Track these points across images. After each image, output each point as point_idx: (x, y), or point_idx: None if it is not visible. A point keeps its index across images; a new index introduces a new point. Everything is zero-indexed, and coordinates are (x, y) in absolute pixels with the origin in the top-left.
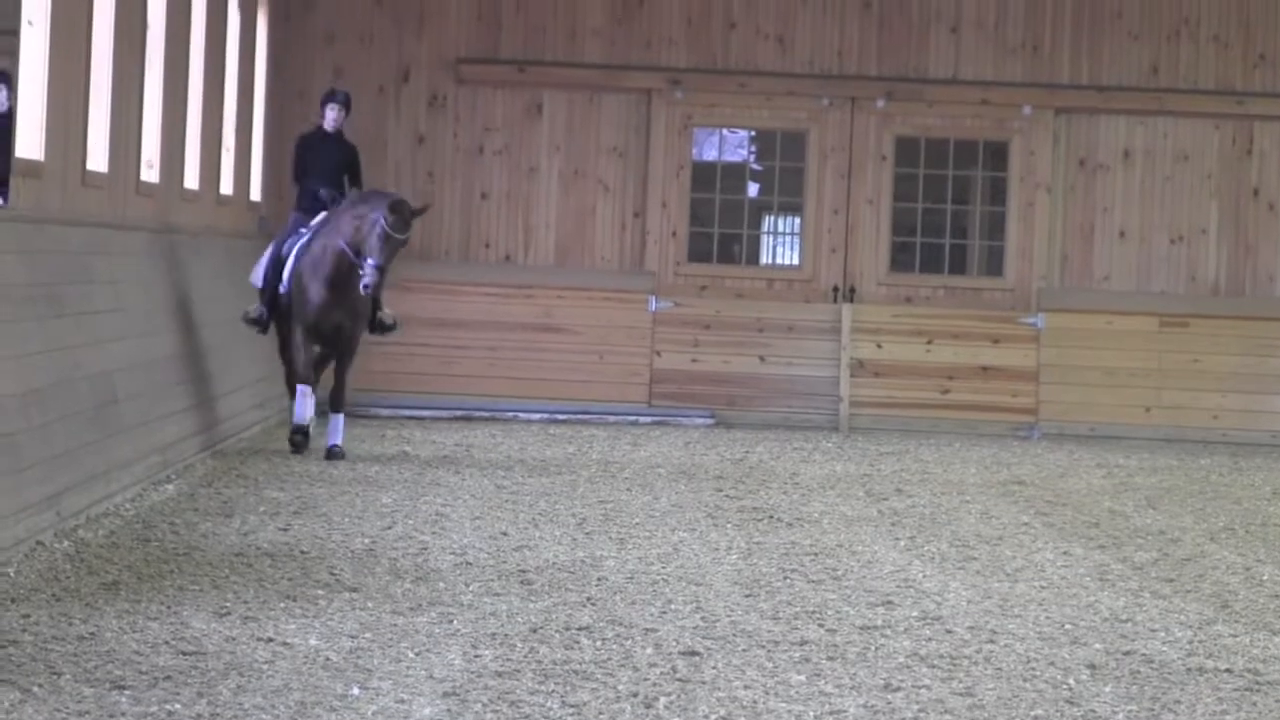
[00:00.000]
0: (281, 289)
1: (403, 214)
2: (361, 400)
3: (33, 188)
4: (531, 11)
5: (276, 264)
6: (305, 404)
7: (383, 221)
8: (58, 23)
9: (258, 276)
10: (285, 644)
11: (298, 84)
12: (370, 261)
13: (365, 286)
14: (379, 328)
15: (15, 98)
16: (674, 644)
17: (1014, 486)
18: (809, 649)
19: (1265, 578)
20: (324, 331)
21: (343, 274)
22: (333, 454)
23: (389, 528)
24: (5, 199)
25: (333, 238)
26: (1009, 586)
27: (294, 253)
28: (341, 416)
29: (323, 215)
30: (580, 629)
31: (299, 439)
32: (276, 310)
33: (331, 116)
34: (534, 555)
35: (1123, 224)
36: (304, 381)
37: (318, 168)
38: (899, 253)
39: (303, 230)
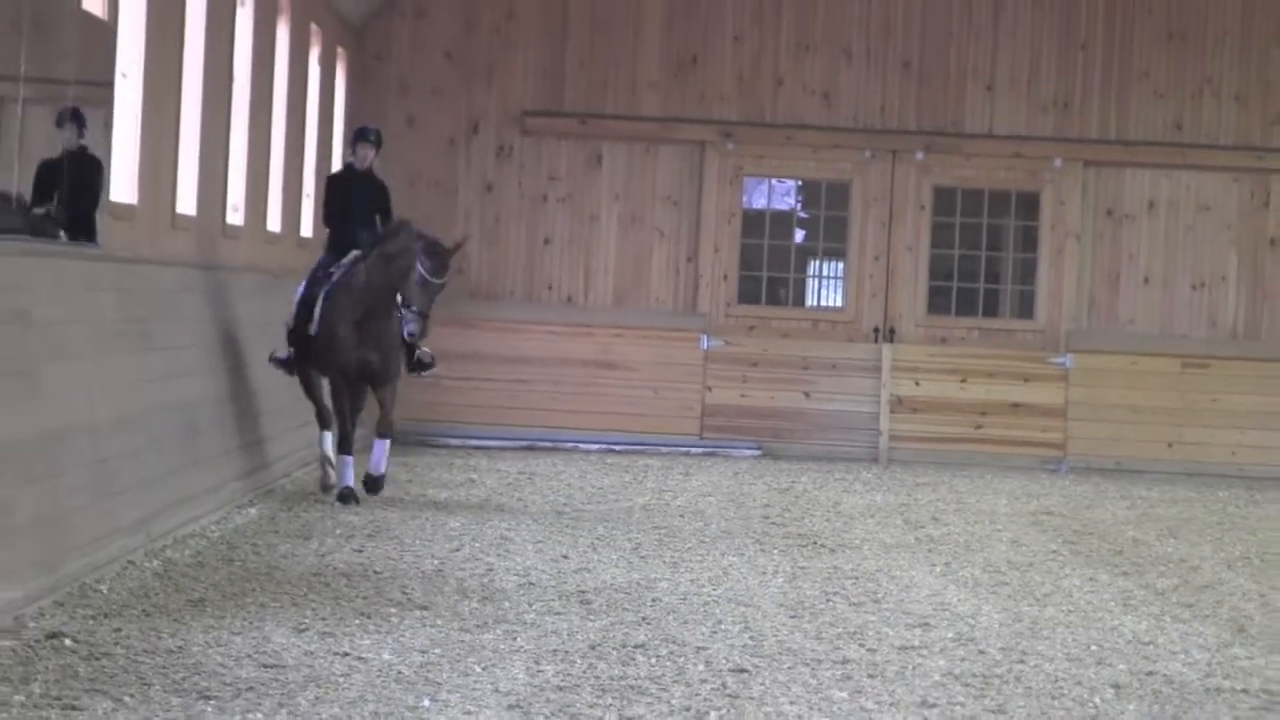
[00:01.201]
0: (312, 331)
1: (441, 257)
2: (431, 430)
3: (125, 230)
4: (593, 67)
5: (306, 306)
6: (348, 472)
7: (420, 267)
8: (150, 75)
9: (287, 319)
10: (360, 658)
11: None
12: (413, 309)
13: (410, 334)
14: (417, 366)
15: (87, 134)
16: (724, 661)
17: (1043, 516)
18: (850, 667)
19: (1279, 604)
20: (354, 371)
21: (371, 312)
22: (370, 485)
23: (457, 550)
24: (89, 237)
25: (361, 276)
26: (1038, 610)
27: (322, 294)
28: (387, 442)
29: (352, 255)
30: (636, 647)
31: (345, 493)
32: (307, 353)
33: (363, 155)
34: (592, 577)
35: (1147, 270)
36: (328, 428)
37: (350, 207)
38: (936, 296)
39: (332, 271)
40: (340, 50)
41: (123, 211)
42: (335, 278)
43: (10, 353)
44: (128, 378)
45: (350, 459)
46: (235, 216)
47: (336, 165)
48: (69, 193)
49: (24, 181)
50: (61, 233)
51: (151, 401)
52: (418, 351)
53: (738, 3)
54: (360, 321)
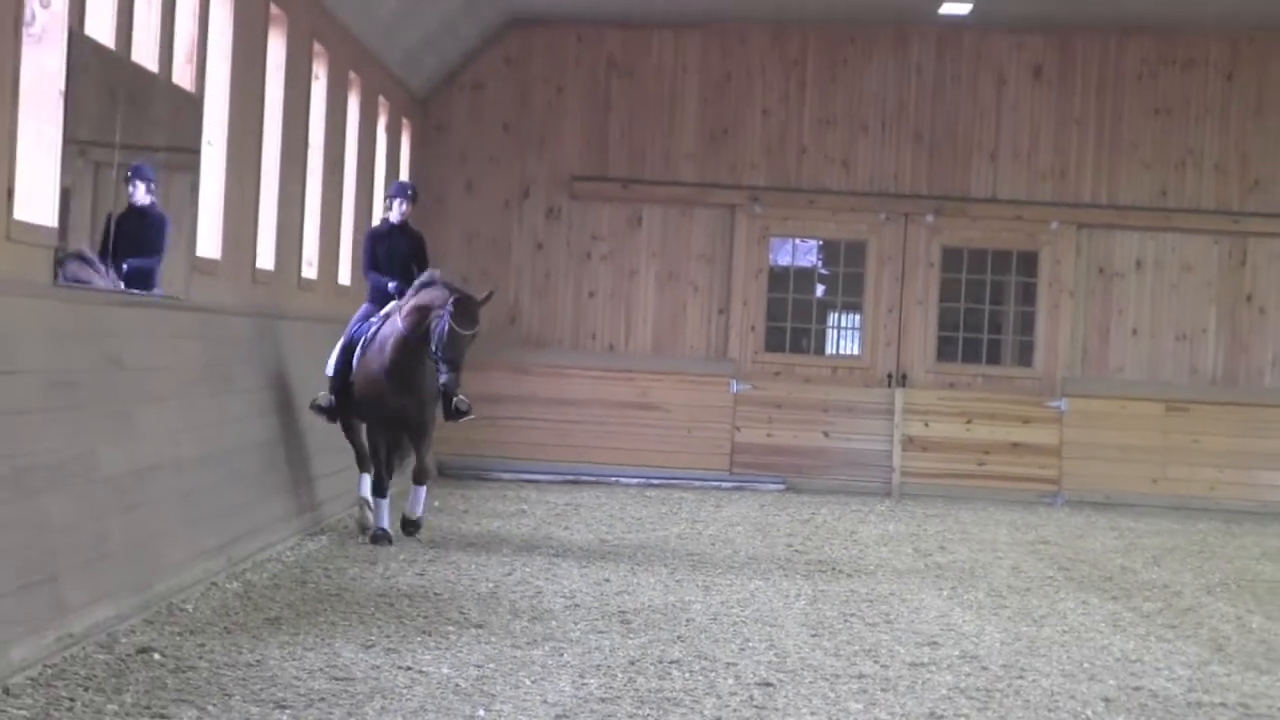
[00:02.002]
0: (352, 378)
1: (469, 312)
2: (486, 465)
3: (209, 283)
4: (634, 138)
5: (347, 353)
6: (384, 515)
7: (448, 319)
8: (233, 143)
9: (329, 367)
10: (422, 672)
11: (433, 196)
12: (443, 360)
13: (444, 385)
14: (455, 414)
15: (154, 191)
16: (751, 676)
17: (1040, 545)
18: (865, 682)
19: (1254, 625)
20: (389, 418)
21: (405, 361)
22: (408, 527)
23: (509, 574)
24: (145, 287)
25: (395, 328)
26: (1036, 630)
27: (361, 343)
28: (424, 489)
29: (391, 305)
30: (671, 662)
31: (379, 535)
32: (347, 400)
33: (399, 209)
34: (632, 599)
35: (1135, 323)
36: (366, 471)
37: (387, 258)
38: (944, 345)
39: (372, 321)
40: (405, 120)
41: (207, 266)
42: (374, 328)
43: (108, 395)
44: (210, 417)
45: (385, 502)
46: (309, 271)
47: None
48: (128, 245)
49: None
50: (121, 283)
51: (231, 439)
52: (455, 400)
53: (766, 81)
54: (396, 370)
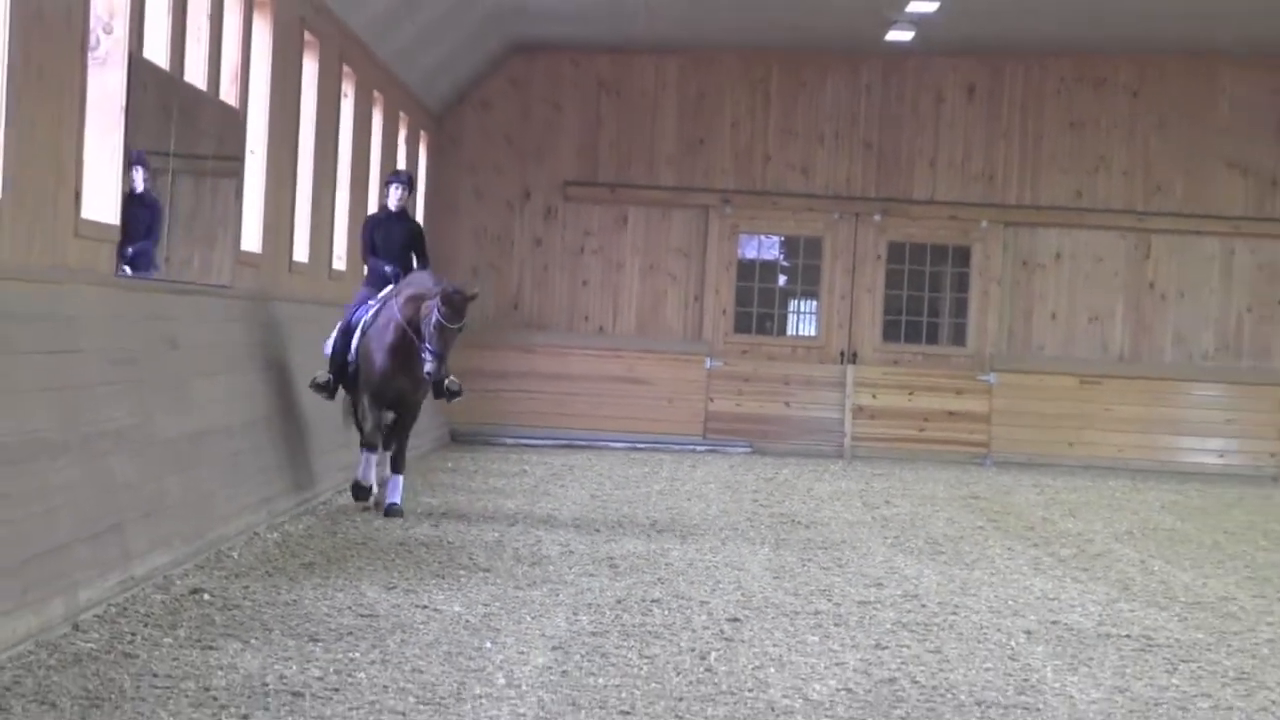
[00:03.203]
0: (350, 358)
1: (455, 306)
2: (492, 432)
3: (252, 273)
4: (620, 148)
5: (345, 335)
6: (370, 468)
7: (437, 313)
8: (272, 152)
9: (328, 346)
10: (436, 609)
11: (447, 199)
12: (430, 349)
13: (428, 374)
14: (446, 394)
15: (150, 181)
16: (721, 613)
17: (971, 500)
18: (820, 617)
19: (1156, 569)
20: (388, 397)
21: (403, 346)
22: (391, 512)
23: (512, 525)
24: (147, 268)
25: (394, 313)
26: (967, 573)
27: (361, 325)
28: (401, 477)
29: (388, 289)
30: (653, 601)
31: (361, 493)
32: (345, 378)
33: (396, 196)
34: (619, 546)
35: (1053, 308)
36: (371, 447)
37: (385, 245)
38: (889, 327)
39: (370, 303)
40: (423, 133)
41: (250, 259)
42: (371, 311)
43: (164, 371)
44: (253, 390)
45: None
46: (339, 263)
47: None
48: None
49: (173, 236)
50: (126, 267)
51: (272, 408)
52: (446, 381)
53: (735, 99)
54: (397, 353)
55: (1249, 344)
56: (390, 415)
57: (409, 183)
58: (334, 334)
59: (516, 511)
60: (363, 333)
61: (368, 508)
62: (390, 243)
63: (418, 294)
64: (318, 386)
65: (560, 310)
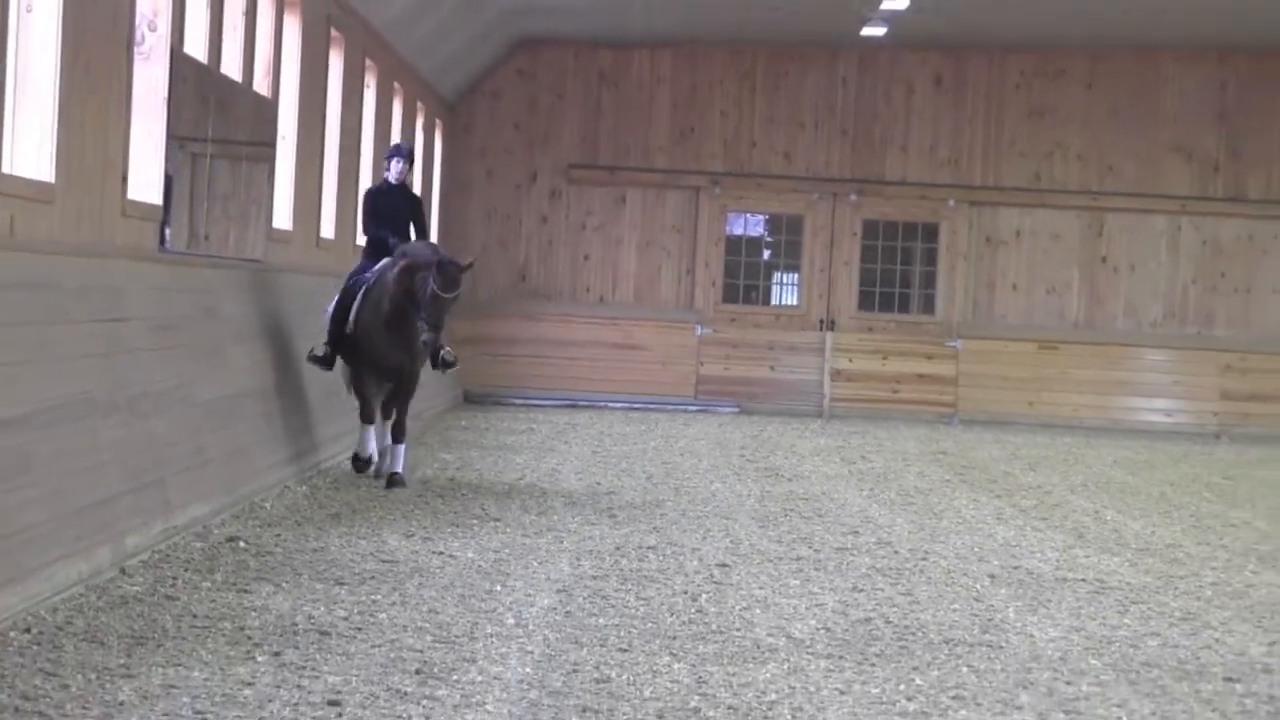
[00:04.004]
0: (348, 329)
1: (450, 275)
2: (503, 393)
3: (283, 249)
4: (619, 134)
5: (343, 306)
6: (369, 439)
7: (432, 283)
8: (302, 138)
9: (325, 317)
10: (451, 555)
11: (460, 181)
12: (425, 318)
13: (425, 342)
14: (442, 364)
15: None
16: (711, 558)
17: (940, 455)
18: (801, 562)
19: (1108, 518)
20: (386, 368)
21: (399, 318)
22: (394, 481)
23: (521, 478)
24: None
25: (390, 285)
26: (936, 522)
27: (359, 297)
28: (403, 446)
29: (385, 261)
30: (649, 548)
31: (360, 465)
32: (343, 349)
33: (396, 169)
34: (618, 498)
35: (1014, 280)
36: (369, 419)
37: (385, 217)
38: (864, 297)
39: (368, 276)
40: (438, 121)
41: (281, 235)
42: (369, 282)
43: (203, 338)
44: (284, 355)
45: (372, 428)
46: (361, 239)
47: (435, 205)
48: None
49: (212, 216)
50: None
51: (302, 372)
52: (441, 352)
53: (724, 90)
54: (394, 324)
55: (1193, 313)
56: (388, 386)
57: (409, 156)
58: (331, 305)
59: (524, 466)
60: (360, 304)
61: (364, 472)
62: (390, 215)
63: (413, 265)
64: (315, 359)
65: (564, 282)
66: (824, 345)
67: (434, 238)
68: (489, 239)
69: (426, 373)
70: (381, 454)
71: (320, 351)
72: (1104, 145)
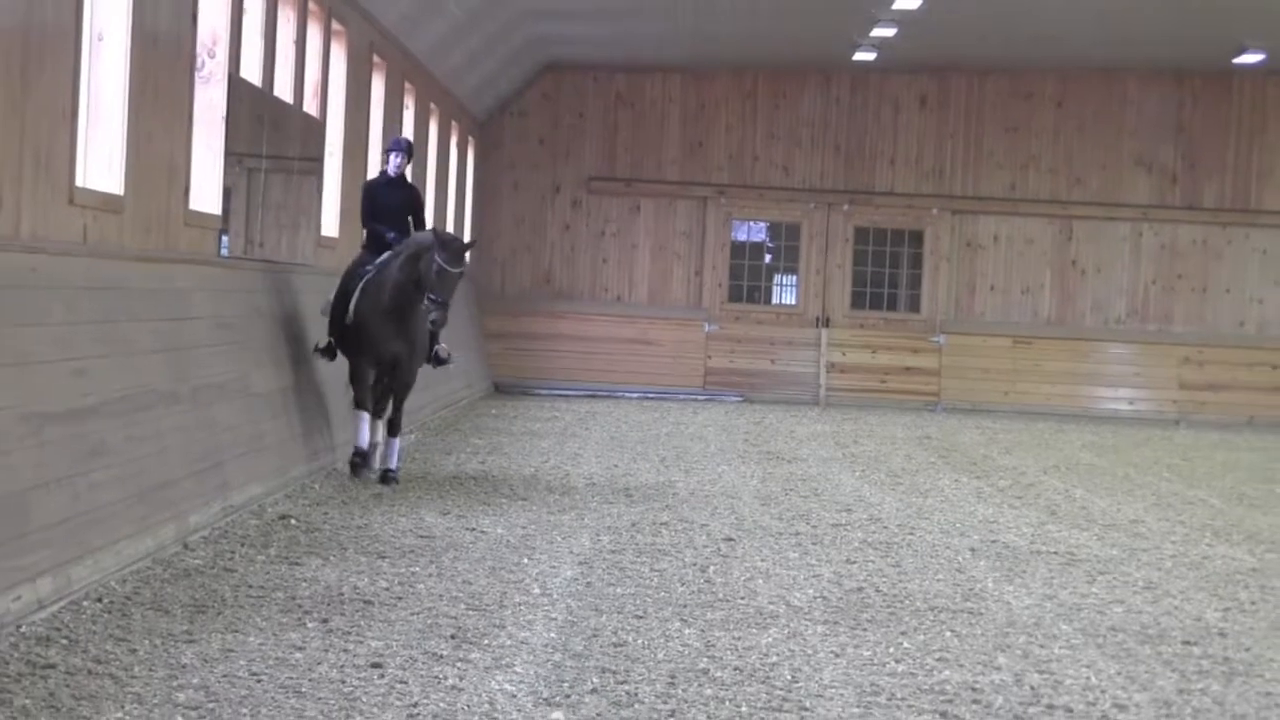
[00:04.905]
0: (348, 321)
1: (453, 250)
2: (529, 384)
3: (330, 254)
4: (634, 149)
5: (343, 298)
6: (364, 431)
7: (437, 259)
8: (347, 154)
9: (328, 308)
10: (482, 531)
11: (491, 192)
12: (433, 297)
13: (433, 322)
14: (436, 360)
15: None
16: (718, 533)
17: (925, 439)
18: (800, 537)
19: (1078, 497)
20: (385, 361)
21: (401, 308)
22: (387, 479)
23: (545, 461)
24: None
25: (392, 275)
26: (922, 500)
27: (359, 289)
28: (397, 441)
29: (386, 255)
30: (661, 524)
31: (357, 461)
32: (344, 341)
33: (395, 162)
34: (634, 479)
35: (992, 281)
36: (365, 409)
37: (383, 209)
38: (856, 297)
39: (368, 268)
40: (471, 138)
41: (328, 242)
42: (370, 274)
43: (261, 334)
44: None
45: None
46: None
47: (468, 214)
48: None
49: (266, 225)
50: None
51: (344, 367)
52: (436, 347)
53: (729, 108)
54: (391, 316)
55: (1153, 311)
56: (385, 379)
57: (408, 149)
58: (331, 296)
59: (549, 450)
60: (360, 295)
61: (364, 468)
62: (389, 207)
63: (416, 253)
64: (320, 351)
65: (585, 283)
66: (820, 341)
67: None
68: (517, 244)
69: (460, 364)
70: (372, 448)
71: (324, 343)
72: (1073, 158)
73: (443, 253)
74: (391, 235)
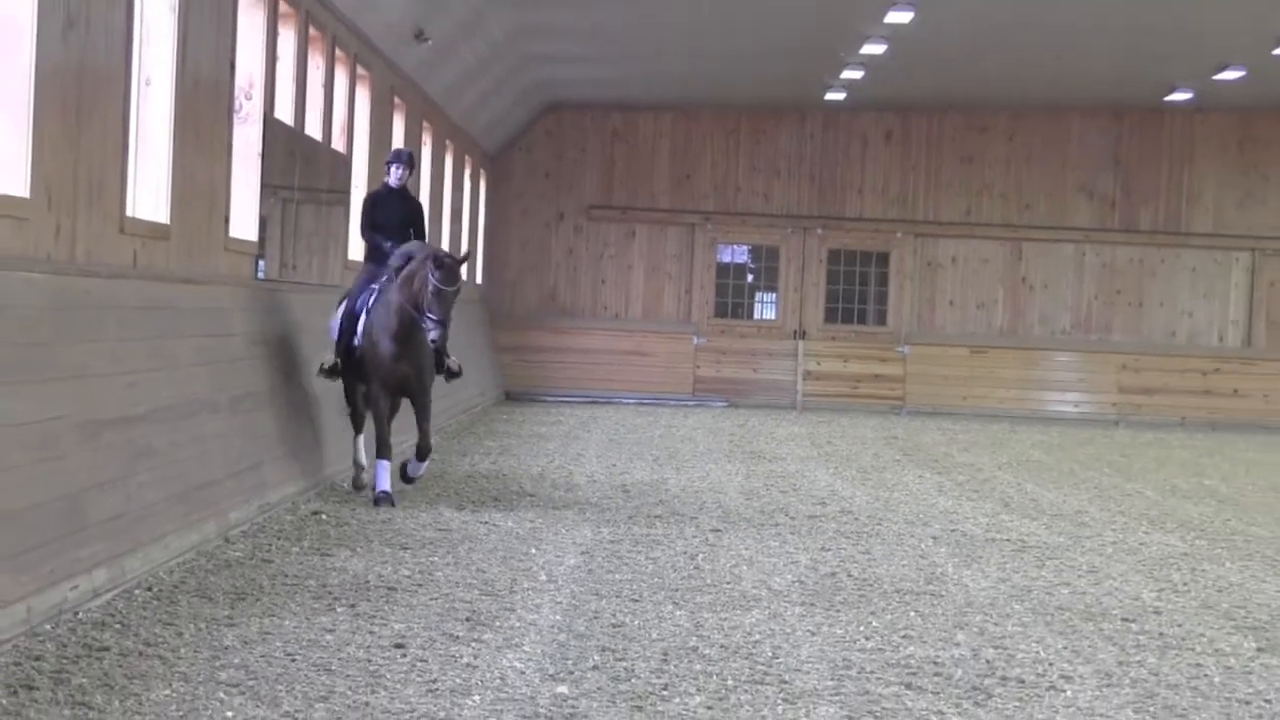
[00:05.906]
0: (356, 342)
1: (448, 268)
2: (536, 392)
3: (353, 275)
4: (630, 181)
5: (350, 318)
6: (384, 476)
7: (432, 279)
8: (371, 185)
9: (333, 329)
10: (494, 525)
11: (500, 219)
12: (431, 317)
13: (433, 341)
14: (448, 374)
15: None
16: (707, 525)
17: (891, 439)
18: (780, 528)
19: (1029, 490)
20: (393, 383)
21: (406, 329)
22: (405, 479)
23: (551, 461)
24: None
25: (395, 295)
26: (888, 494)
27: (366, 309)
28: (425, 463)
29: (384, 279)
30: (655, 517)
31: (381, 497)
32: (349, 361)
33: (397, 174)
34: (630, 477)
35: (951, 297)
36: (384, 455)
37: (384, 221)
38: (829, 312)
39: (373, 286)
40: (482, 171)
41: (354, 265)
42: (376, 293)
43: (294, 349)
44: None
45: (388, 464)
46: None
47: (480, 238)
48: None
49: (298, 250)
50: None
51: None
52: (447, 362)
53: (715, 144)
54: (400, 337)
55: (1095, 323)
56: (397, 402)
57: (409, 162)
58: (338, 316)
59: (554, 451)
60: (368, 315)
61: (362, 485)
62: (390, 219)
63: (412, 273)
64: (324, 372)
65: (586, 301)
66: (797, 351)
67: (480, 269)
68: (524, 265)
69: (471, 374)
70: (364, 468)
71: (329, 363)
72: (1022, 187)
73: (437, 272)
74: (389, 245)
